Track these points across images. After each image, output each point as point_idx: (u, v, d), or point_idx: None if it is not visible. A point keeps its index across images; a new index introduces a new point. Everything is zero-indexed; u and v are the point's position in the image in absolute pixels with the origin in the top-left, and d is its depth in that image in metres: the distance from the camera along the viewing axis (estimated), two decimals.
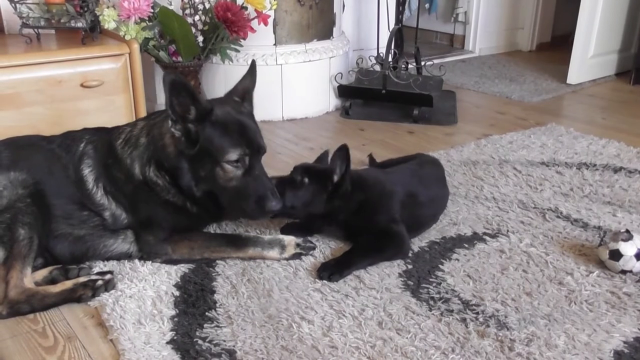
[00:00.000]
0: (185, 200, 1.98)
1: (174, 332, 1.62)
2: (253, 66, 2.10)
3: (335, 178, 1.96)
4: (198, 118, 1.85)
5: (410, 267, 1.93)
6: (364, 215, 1.99)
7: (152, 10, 2.77)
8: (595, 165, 2.74)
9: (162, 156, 1.93)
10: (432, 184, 2.22)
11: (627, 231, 1.91)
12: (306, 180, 1.96)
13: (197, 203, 1.99)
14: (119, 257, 1.97)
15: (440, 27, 5.69)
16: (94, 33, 2.67)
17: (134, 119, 2.46)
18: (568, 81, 4.29)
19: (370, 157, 2.74)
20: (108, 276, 1.82)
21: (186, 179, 1.92)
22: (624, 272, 1.86)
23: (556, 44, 5.53)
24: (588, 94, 4.15)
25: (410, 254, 2.00)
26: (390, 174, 2.18)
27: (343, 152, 1.95)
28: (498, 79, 4.48)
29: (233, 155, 1.87)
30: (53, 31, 2.78)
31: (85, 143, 2.01)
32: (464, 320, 1.66)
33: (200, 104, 1.85)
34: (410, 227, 2.03)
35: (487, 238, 2.11)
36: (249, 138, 1.92)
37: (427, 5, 5.51)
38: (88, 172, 1.96)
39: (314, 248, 2.01)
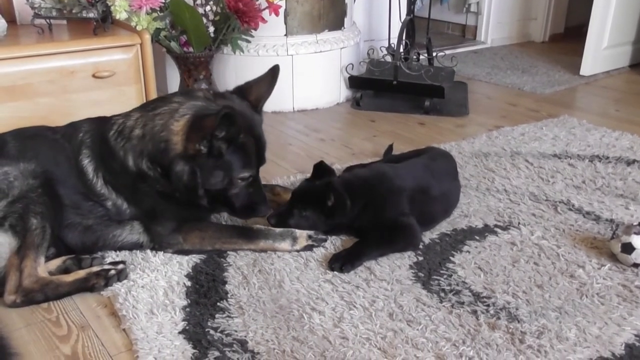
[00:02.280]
0: (174, 191, 1.93)
1: (186, 322, 1.63)
2: (275, 72, 2.04)
3: (329, 203, 1.97)
4: (227, 139, 1.84)
5: (421, 259, 1.93)
6: (370, 215, 1.99)
7: (163, 1, 2.77)
8: (608, 157, 2.72)
9: (162, 153, 1.87)
10: (443, 178, 2.21)
11: None
12: (304, 213, 2.00)
13: (185, 194, 1.95)
14: (130, 247, 1.97)
15: (452, 18, 5.65)
16: (105, 23, 2.68)
17: None
18: (581, 73, 4.25)
19: (390, 147, 2.72)
20: (120, 266, 1.83)
21: (191, 179, 1.87)
22: (636, 265, 1.85)
23: (569, 35, 5.48)
24: (601, 85, 4.12)
25: (421, 246, 1.99)
26: (399, 168, 2.16)
27: (334, 184, 1.98)
28: (510, 70, 4.45)
29: (246, 174, 1.92)
30: (65, 22, 2.78)
31: (83, 133, 2.00)
32: (474, 312, 1.66)
33: (235, 129, 1.83)
34: (421, 222, 2.03)
35: (498, 230, 2.10)
36: (260, 157, 1.97)
37: None
38: (87, 163, 1.96)
39: (325, 240, 2.02)
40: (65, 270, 1.85)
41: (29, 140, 1.98)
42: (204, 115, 1.85)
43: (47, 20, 2.65)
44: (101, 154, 1.96)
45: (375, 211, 1.99)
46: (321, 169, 2.09)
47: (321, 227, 2.02)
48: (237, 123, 1.81)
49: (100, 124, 2.03)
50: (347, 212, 1.97)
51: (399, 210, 2.00)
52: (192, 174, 1.86)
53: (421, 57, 3.94)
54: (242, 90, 2.02)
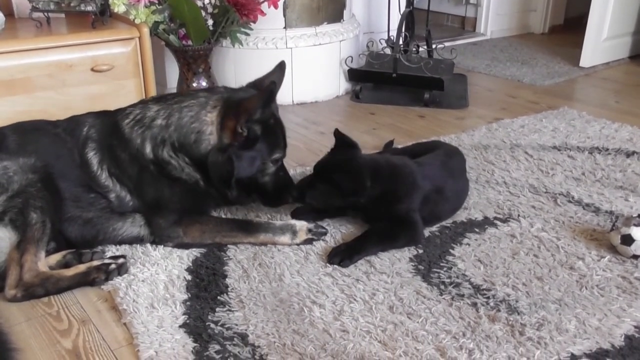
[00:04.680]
0: (198, 180, 2.00)
1: (187, 316, 1.63)
2: (282, 66, 2.14)
3: (347, 184, 1.94)
4: (261, 120, 1.92)
5: (421, 251, 1.93)
6: (386, 202, 1.97)
7: None
8: (607, 149, 2.72)
9: (193, 144, 1.93)
10: (458, 178, 2.18)
11: (639, 216, 1.90)
12: (322, 186, 1.98)
13: (208, 182, 2.00)
14: (131, 241, 1.98)
15: (451, 10, 5.63)
16: (104, 17, 2.67)
17: None
18: (581, 64, 4.24)
19: (390, 142, 2.71)
20: (121, 260, 1.83)
21: (227, 167, 1.93)
22: (635, 257, 1.86)
23: (569, 27, 5.47)
24: (601, 77, 4.11)
25: None
26: (421, 166, 2.10)
27: (358, 163, 1.96)
28: (510, 62, 4.44)
29: (278, 154, 2.02)
30: (63, 15, 2.78)
31: (88, 127, 2.02)
32: (474, 304, 1.66)
33: (270, 109, 1.95)
34: (428, 220, 2.02)
35: (498, 222, 2.10)
36: (285, 139, 2.07)
37: None
38: (92, 155, 1.97)
39: (325, 233, 2.02)
40: (65, 265, 1.86)
41: (29, 134, 1.98)
42: (238, 100, 1.93)
43: (45, 14, 2.65)
44: (108, 146, 1.98)
45: (391, 201, 1.97)
46: (342, 141, 2.03)
47: (336, 202, 2.00)
48: (274, 99, 1.96)
49: (108, 116, 2.05)
50: (365, 194, 1.94)
51: (410, 204, 1.98)
52: (229, 162, 1.93)
53: (420, 49, 3.93)
54: (256, 84, 2.10)
